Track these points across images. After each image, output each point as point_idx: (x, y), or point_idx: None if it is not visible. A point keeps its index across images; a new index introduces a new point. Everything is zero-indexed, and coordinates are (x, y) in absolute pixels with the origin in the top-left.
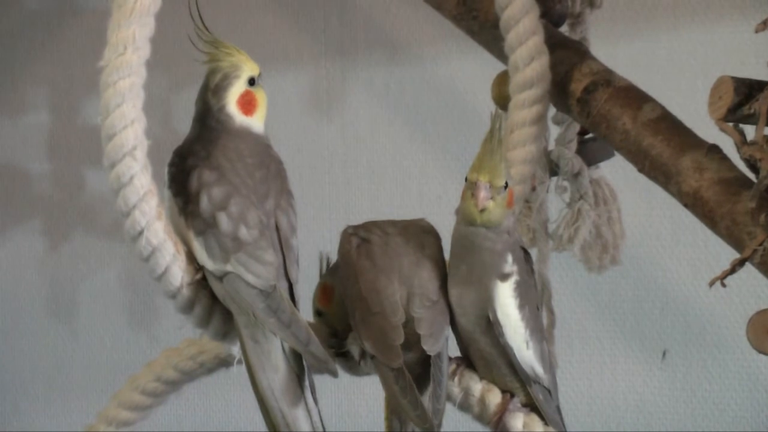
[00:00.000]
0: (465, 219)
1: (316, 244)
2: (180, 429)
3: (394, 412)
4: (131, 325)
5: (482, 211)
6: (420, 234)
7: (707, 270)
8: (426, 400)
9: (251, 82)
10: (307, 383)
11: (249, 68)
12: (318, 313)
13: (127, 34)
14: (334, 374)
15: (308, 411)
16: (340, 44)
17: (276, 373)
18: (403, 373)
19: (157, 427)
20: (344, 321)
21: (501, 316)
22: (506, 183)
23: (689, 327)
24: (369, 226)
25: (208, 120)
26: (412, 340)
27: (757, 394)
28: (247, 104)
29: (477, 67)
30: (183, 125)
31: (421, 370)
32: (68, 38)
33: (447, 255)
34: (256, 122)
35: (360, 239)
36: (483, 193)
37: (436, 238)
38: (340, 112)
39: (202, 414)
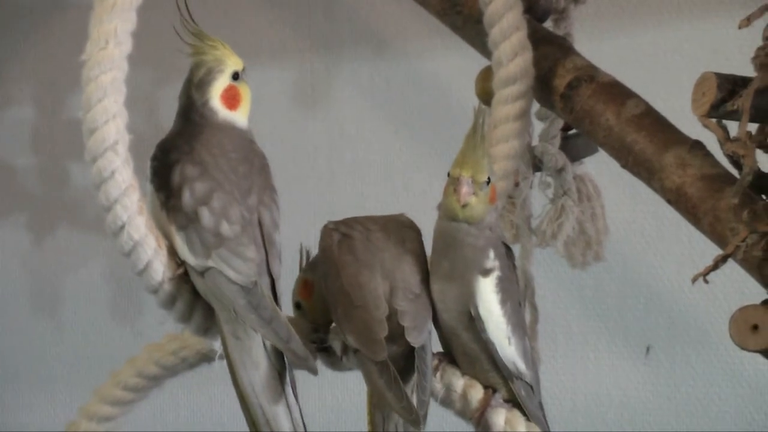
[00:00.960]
0: (447, 214)
1: (299, 239)
2: (163, 424)
3: (377, 406)
4: (115, 320)
5: (464, 206)
6: (400, 229)
7: (691, 266)
8: (410, 392)
9: (235, 76)
10: (288, 380)
11: (233, 63)
12: (297, 306)
13: (109, 28)
14: (314, 372)
15: (288, 408)
16: (325, 39)
17: (257, 370)
18: (387, 366)
19: (140, 422)
20: (323, 315)
21: (483, 312)
22: (489, 178)
23: (673, 323)
24: (350, 222)
25: (192, 114)
26: (396, 334)
27: (740, 390)
28: (231, 99)
29: (461, 63)
30: (167, 120)
31: (404, 364)
32: (52, 32)
33: (429, 250)
34: (239, 117)
35: (341, 234)
36: (465, 189)
37: (417, 232)
38: (325, 107)
39: (185, 409)
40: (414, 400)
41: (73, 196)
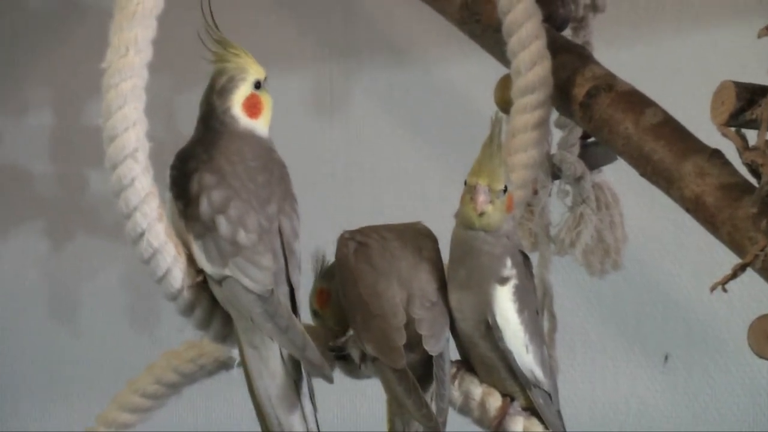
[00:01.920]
0: (464, 222)
1: (317, 246)
2: (181, 429)
3: (396, 414)
4: (133, 326)
5: (481, 214)
6: (417, 237)
7: (709, 274)
8: (428, 400)
9: (257, 85)
10: (305, 390)
11: (255, 71)
12: (315, 314)
13: (129, 36)
14: (330, 380)
15: (304, 418)
16: (343, 47)
17: (273, 379)
18: (406, 374)
19: (158, 428)
20: (340, 323)
21: (500, 321)
22: (506, 187)
23: (691, 331)
24: (366, 230)
25: (212, 122)
26: (413, 342)
27: (759, 399)
28: (253, 107)
29: (480, 71)
30: (186, 127)
31: (422, 371)
32: (72, 38)
33: (445, 258)
34: (260, 126)
35: (357, 243)
36: (482, 197)
37: (433, 241)
38: (343, 114)
39: (204, 415)
40: (433, 408)
41: (92, 203)
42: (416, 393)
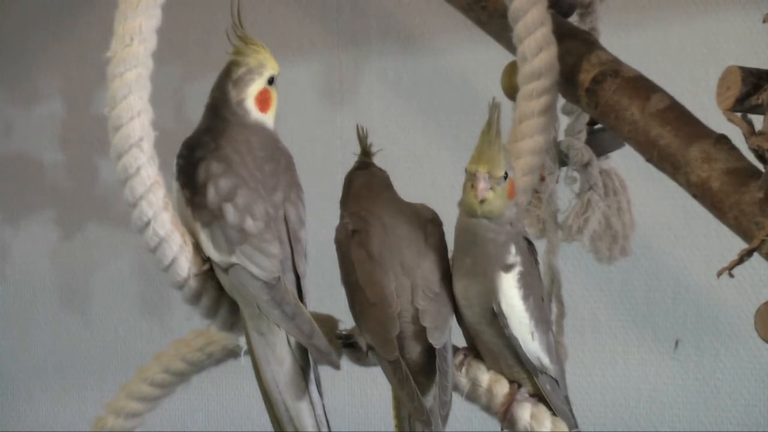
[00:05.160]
0: (466, 211)
1: (326, 233)
2: (192, 419)
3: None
4: (144, 315)
5: (482, 202)
6: (423, 224)
7: (719, 259)
8: (435, 390)
9: (271, 81)
10: (312, 376)
11: (272, 67)
12: None
13: (134, 25)
14: (336, 367)
15: (312, 405)
16: (352, 34)
17: (280, 366)
18: (399, 365)
19: (169, 417)
20: None
21: (505, 308)
22: (506, 173)
23: (701, 317)
24: (369, 216)
25: (224, 111)
26: (417, 332)
27: None
28: (264, 102)
29: (488, 57)
30: (193, 116)
31: (428, 360)
32: (81, 28)
33: (451, 246)
34: (268, 119)
35: (354, 229)
36: (482, 184)
37: (439, 225)
38: (353, 102)
39: (215, 404)
40: (437, 400)
41: (102, 192)
42: (409, 385)
